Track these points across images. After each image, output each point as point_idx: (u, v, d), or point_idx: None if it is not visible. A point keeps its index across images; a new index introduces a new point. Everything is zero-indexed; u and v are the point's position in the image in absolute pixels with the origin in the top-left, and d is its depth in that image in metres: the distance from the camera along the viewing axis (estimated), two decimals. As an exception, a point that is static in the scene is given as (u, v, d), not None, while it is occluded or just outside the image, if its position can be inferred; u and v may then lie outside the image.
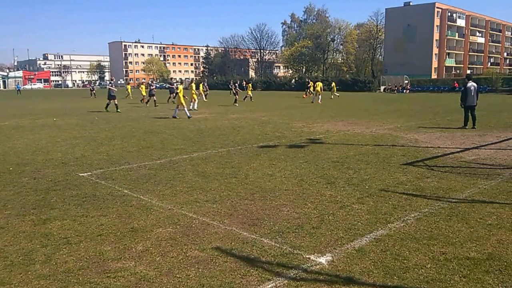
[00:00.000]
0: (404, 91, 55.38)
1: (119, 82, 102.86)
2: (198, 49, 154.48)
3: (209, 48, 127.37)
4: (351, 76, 75.27)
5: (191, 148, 11.08)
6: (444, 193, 6.65)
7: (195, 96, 24.43)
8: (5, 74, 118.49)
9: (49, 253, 4.52)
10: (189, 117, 18.94)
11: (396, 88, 56.33)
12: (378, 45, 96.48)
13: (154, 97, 28.88)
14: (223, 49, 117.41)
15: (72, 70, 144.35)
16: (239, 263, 4.25)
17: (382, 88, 59.26)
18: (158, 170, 8.38)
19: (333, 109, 24.99)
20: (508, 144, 11.51)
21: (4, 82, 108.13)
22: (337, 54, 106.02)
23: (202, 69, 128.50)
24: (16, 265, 4.22)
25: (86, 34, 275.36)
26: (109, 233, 5.08)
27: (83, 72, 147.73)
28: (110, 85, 25.00)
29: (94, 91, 45.76)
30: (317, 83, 34.24)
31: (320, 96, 32.47)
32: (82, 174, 8.09)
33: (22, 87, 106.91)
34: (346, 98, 39.39)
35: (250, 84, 35.91)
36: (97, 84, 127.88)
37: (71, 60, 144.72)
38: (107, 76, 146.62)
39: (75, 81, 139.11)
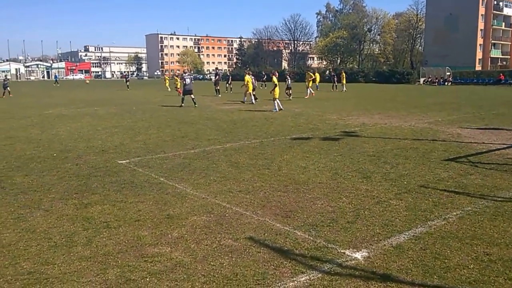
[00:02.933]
0: (446, 83, 53.40)
1: (155, 73, 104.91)
2: (232, 41, 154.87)
3: (242, 39, 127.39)
4: (388, 67, 73.40)
5: (225, 138, 11.15)
6: (489, 191, 6.38)
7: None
8: (49, 65, 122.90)
9: (90, 236, 4.68)
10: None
11: (436, 80, 54.42)
12: (418, 35, 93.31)
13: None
14: (256, 40, 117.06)
15: (111, 61, 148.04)
16: (272, 254, 4.25)
17: (421, 80, 57.35)
18: (192, 160, 8.49)
19: (369, 102, 24.47)
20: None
21: (48, 72, 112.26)
22: (374, 45, 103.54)
23: (235, 60, 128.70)
24: (59, 246, 4.40)
25: (124, 26, 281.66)
26: (146, 219, 5.20)
27: (122, 63, 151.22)
28: (186, 76, 22.01)
29: (128, 83, 44.55)
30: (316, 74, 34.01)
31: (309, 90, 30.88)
32: (121, 162, 8.31)
33: (65, 77, 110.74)
34: (383, 90, 38.46)
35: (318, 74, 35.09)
36: (134, 75, 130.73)
37: (110, 52, 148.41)
38: (144, 67, 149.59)
39: (114, 72, 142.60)
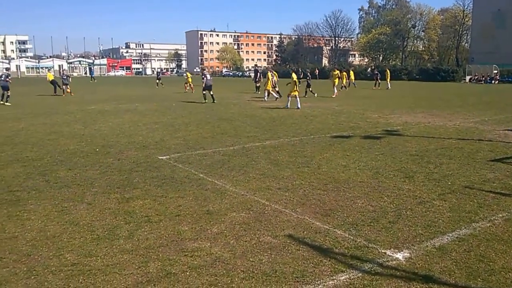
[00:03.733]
0: (493, 81, 51.05)
1: (194, 70, 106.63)
2: (271, 37, 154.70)
3: (282, 36, 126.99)
4: (432, 64, 70.89)
5: (264, 135, 11.16)
6: (539, 194, 6.07)
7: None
8: (91, 61, 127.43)
9: (131, 229, 4.81)
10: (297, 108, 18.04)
11: (483, 79, 52.12)
12: (464, 32, 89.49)
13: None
14: (296, 37, 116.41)
15: (152, 58, 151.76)
16: (311, 252, 4.22)
17: (467, 78, 55.04)
18: (231, 156, 8.55)
19: (412, 100, 23.78)
20: None
21: (90, 69, 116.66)
22: (418, 42, 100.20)
23: (274, 57, 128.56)
24: (102, 239, 4.55)
25: (165, 23, 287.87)
26: (186, 214, 5.29)
27: (162, 60, 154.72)
28: (206, 72, 22.91)
29: (159, 80, 40.36)
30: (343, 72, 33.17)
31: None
32: (161, 157, 8.49)
33: (106, 74, 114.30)
34: (427, 88, 37.26)
35: (345, 72, 34.36)
36: (174, 71, 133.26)
37: (151, 48, 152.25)
38: (184, 64, 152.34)
39: (154, 68, 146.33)
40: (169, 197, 5.94)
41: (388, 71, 36.43)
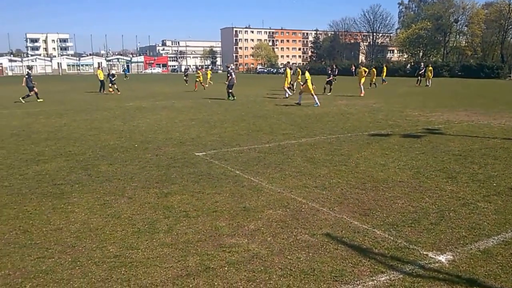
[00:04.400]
0: (541, 78, 48.57)
1: (226, 66, 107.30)
2: (307, 33, 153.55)
3: (318, 32, 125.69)
4: (476, 61, 68.14)
5: (299, 133, 11.08)
6: None
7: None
8: (129, 59, 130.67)
9: (171, 224, 4.90)
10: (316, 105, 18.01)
11: (530, 75, 49.67)
12: (510, 27, 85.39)
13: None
14: (332, 33, 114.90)
15: (187, 55, 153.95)
16: (350, 252, 4.15)
17: (513, 74, 52.67)
18: (267, 154, 8.54)
19: (454, 97, 22.96)
20: None
21: (128, 66, 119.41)
22: (461, 37, 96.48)
23: (310, 53, 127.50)
24: (142, 232, 4.65)
25: (201, 21, 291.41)
26: (223, 210, 5.33)
27: (197, 57, 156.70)
28: (230, 69, 22.58)
29: (187, 77, 39.02)
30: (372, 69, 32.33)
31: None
32: (198, 154, 8.60)
33: (143, 71, 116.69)
34: (470, 85, 35.87)
35: (374, 69, 33.08)
36: (210, 68, 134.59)
37: (186, 46, 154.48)
38: (218, 61, 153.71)
39: (190, 66, 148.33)
40: (206, 193, 6.01)
41: (430, 67, 35.09)
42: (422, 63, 41.66)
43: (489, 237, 4.48)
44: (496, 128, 11.96)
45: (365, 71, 24.77)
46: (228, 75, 22.09)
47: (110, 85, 28.05)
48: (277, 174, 6.97)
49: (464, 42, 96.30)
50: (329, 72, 26.14)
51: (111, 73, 29.15)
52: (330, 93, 24.72)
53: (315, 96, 18.27)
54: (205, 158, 8.24)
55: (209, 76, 38.75)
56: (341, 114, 15.21)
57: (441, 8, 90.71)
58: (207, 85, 34.41)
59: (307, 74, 18.93)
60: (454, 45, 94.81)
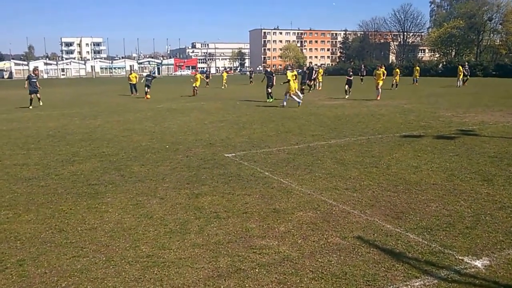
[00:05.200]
0: None
1: (257, 68, 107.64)
2: (336, 34, 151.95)
3: (347, 32, 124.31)
4: (511, 59, 65.73)
5: (329, 134, 10.98)
6: None
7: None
8: (160, 61, 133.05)
9: (201, 224, 4.94)
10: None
11: None
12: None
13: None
14: (362, 33, 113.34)
15: (216, 57, 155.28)
16: (382, 255, 4.08)
17: (551, 73, 50.46)
18: (296, 155, 8.51)
19: (489, 98, 22.21)
20: None
21: (158, 68, 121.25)
22: (495, 35, 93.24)
23: (339, 54, 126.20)
24: (174, 233, 4.72)
25: (230, 23, 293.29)
26: (253, 211, 5.34)
27: (226, 59, 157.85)
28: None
29: (208, 79, 39.90)
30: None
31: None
32: (227, 155, 8.65)
33: (173, 73, 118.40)
34: (506, 85, 34.61)
35: (397, 69, 32.36)
36: (238, 70, 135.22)
37: (215, 48, 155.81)
38: (247, 63, 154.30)
39: (218, 68, 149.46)
40: (236, 194, 6.04)
41: (460, 67, 33.85)
42: (466, 64, 40.05)
43: (528, 242, 4.32)
44: (535, 129, 11.50)
45: (383, 73, 22.35)
46: (271, 76, 21.62)
47: (146, 89, 25.72)
48: (307, 176, 6.93)
49: (498, 41, 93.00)
50: (350, 73, 24.47)
51: (150, 75, 27.90)
52: (348, 96, 23.21)
53: (293, 96, 18.04)
54: (235, 159, 8.28)
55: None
56: (371, 115, 14.98)
57: (474, 6, 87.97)
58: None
59: (288, 73, 18.67)
60: (488, 43, 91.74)
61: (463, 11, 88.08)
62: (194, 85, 26.95)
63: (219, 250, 4.26)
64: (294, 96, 18.31)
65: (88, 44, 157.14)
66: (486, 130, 11.46)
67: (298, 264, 3.93)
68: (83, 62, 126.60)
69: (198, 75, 28.90)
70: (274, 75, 22.47)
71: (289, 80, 18.18)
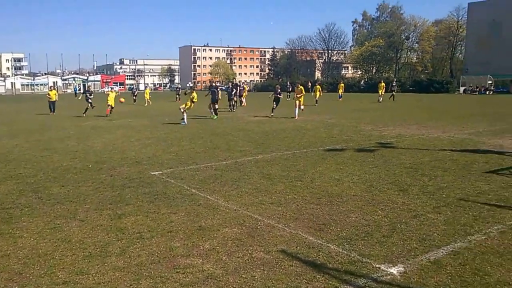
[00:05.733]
0: (487, 92, 51.63)
1: (187, 85, 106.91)
2: (264, 51, 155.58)
3: (275, 49, 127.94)
4: (426, 76, 71.58)
5: (256, 150, 11.13)
6: (532, 205, 6.07)
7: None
8: (85, 78, 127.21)
9: (124, 246, 4.74)
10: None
11: (477, 89, 52.70)
12: (459, 43, 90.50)
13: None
14: (289, 50, 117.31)
15: (145, 74, 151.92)
16: (305, 267, 4.17)
17: (461, 89, 55.72)
18: (224, 171, 8.51)
19: (406, 112, 23.92)
20: None
21: (84, 85, 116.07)
22: (412, 53, 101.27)
23: (267, 71, 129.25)
24: (94, 256, 4.48)
25: (159, 39, 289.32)
26: (179, 230, 5.23)
27: (155, 75, 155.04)
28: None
29: (135, 97, 39.42)
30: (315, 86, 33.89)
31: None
32: (154, 173, 8.43)
33: (100, 90, 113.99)
34: (421, 99, 37.49)
35: (318, 86, 33.66)
36: (168, 87, 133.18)
37: (144, 64, 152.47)
38: (177, 79, 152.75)
39: (147, 84, 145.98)
40: (161, 213, 5.88)
41: (382, 83, 36.06)
42: (395, 80, 43.03)
43: (439, 248, 4.63)
44: (446, 140, 12.52)
45: (301, 91, 20.80)
46: (215, 90, 21.25)
47: (90, 106, 24.55)
48: (234, 192, 6.94)
49: (415, 58, 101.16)
50: (279, 90, 22.84)
51: (88, 90, 27.23)
52: (273, 114, 21.62)
53: (184, 114, 18.00)
54: (161, 177, 8.09)
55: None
56: (297, 130, 15.44)
57: (393, 25, 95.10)
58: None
59: (194, 93, 18.74)
60: (406, 61, 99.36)
61: (383, 30, 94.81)
62: (109, 103, 23.53)
63: (141, 272, 4.10)
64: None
65: (8, 60, 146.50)
66: (403, 142, 12.28)
67: (221, 282, 3.89)
68: (2, 79, 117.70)
69: (112, 93, 25.10)
70: (219, 89, 22.10)
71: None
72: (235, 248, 4.65)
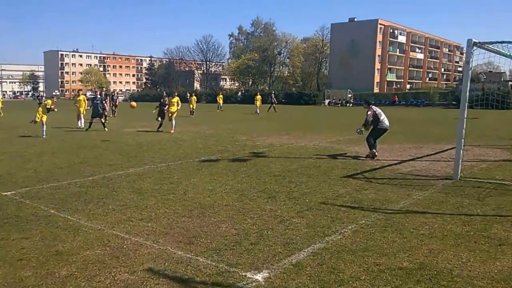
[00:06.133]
0: (348, 104, 57.47)
1: (53, 93, 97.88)
2: (141, 60, 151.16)
3: (152, 59, 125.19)
4: (297, 89, 77.05)
5: (128, 163, 10.62)
6: (380, 205, 6.81)
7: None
8: None
9: (-44, 283, 4.05)
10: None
11: (339, 102, 58.35)
12: (324, 59, 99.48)
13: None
14: (167, 60, 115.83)
15: (3, 80, 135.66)
16: (172, 284, 4.05)
17: (326, 101, 61.13)
18: (89, 188, 7.91)
19: (278, 123, 25.27)
20: (442, 156, 12.12)
21: None
22: (284, 68, 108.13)
23: (144, 80, 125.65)
24: None
25: (20, 42, 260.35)
26: (31, 257, 4.67)
27: (15, 82, 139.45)
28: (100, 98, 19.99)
29: None
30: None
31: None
32: (5, 193, 7.45)
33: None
34: (293, 111, 40.07)
35: (194, 97, 33.66)
36: (29, 95, 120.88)
37: (2, 70, 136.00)
38: (41, 87, 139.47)
39: (6, 92, 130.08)
40: (11, 240, 5.19)
41: (258, 95, 37.74)
42: (273, 92, 45.70)
43: (300, 250, 4.90)
44: (311, 149, 13.50)
45: (171, 103, 19.07)
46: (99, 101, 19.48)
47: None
48: (99, 210, 6.47)
49: (287, 72, 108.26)
50: (162, 101, 22.61)
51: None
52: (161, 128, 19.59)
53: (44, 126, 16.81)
54: (14, 197, 7.19)
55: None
56: (173, 141, 15.19)
57: (267, 41, 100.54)
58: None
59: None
60: (279, 75, 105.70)
61: (257, 45, 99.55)
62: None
63: (-23, 312, 3.54)
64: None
65: None
66: (274, 151, 12.90)
67: (77, 311, 3.56)
68: None
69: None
70: (106, 101, 20.75)
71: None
72: (96, 272, 4.30)
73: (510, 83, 54.82)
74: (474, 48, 8.48)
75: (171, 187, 8.02)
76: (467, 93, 8.68)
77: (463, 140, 8.79)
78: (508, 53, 9.36)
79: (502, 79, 57.60)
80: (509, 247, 4.98)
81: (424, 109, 47.94)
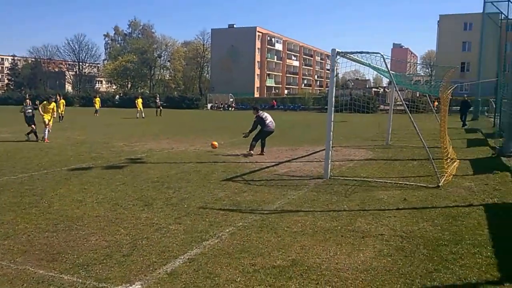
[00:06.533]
0: (230, 108, 58.61)
1: None
2: (2, 59, 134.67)
3: (16, 58, 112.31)
4: (179, 93, 76.12)
5: (-18, 174, 9.32)
6: (257, 206, 7.02)
7: None
8: None
9: None
10: None
11: (222, 106, 59.23)
12: (205, 64, 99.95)
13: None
14: (33, 60, 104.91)
15: None
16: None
17: (209, 105, 61.54)
18: None
19: (158, 127, 24.62)
20: (315, 157, 13.00)
21: None
22: (165, 71, 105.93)
23: (7, 81, 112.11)
24: None
25: None
26: None
27: None
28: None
29: None
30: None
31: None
32: None
33: None
34: (173, 115, 39.43)
35: (62, 100, 30.03)
36: None
37: None
38: None
39: None
40: None
41: (140, 99, 36.27)
42: (158, 95, 44.29)
43: (176, 257, 4.78)
44: (191, 153, 13.40)
45: (54, 110, 17.62)
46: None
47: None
48: None
49: (168, 76, 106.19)
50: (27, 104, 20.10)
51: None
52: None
53: None
54: None
55: None
56: (39, 149, 13.75)
57: (146, 43, 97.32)
58: None
59: None
60: (160, 78, 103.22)
61: (136, 46, 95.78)
62: None
63: None
64: None
65: None
66: (153, 157, 12.50)
67: None
68: None
69: None
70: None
71: None
72: None
73: (373, 89, 61.75)
74: (338, 57, 9.31)
75: (33, 199, 7.23)
76: (333, 98, 9.46)
77: (331, 141, 9.56)
78: (368, 62, 10.46)
79: (367, 86, 64.68)
80: (371, 238, 5.51)
81: (300, 113, 51.27)
